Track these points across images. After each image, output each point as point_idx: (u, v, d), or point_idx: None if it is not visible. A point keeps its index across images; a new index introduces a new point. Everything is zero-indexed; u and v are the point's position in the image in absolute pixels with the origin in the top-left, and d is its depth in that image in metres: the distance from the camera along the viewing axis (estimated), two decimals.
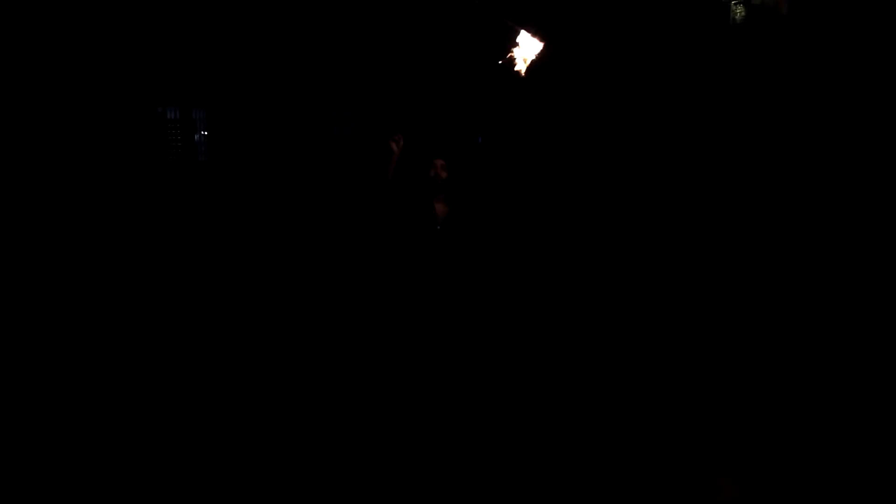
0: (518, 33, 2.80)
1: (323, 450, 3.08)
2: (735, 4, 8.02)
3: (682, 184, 6.65)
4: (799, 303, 4.52)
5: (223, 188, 7.74)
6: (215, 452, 3.23)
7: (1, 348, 4.23)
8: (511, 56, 2.75)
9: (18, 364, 4.04)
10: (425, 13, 8.80)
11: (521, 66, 2.74)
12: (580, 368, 4.17)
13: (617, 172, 6.86)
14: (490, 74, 8.67)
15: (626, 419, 3.43)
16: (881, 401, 3.48)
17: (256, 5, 7.94)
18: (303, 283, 6.25)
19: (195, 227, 7.33)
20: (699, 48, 7.65)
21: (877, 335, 4.05)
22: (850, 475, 2.80)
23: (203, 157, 7.70)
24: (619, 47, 7.99)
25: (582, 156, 6.74)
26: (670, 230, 6.08)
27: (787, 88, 7.30)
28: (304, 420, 3.35)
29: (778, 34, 7.16)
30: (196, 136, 7.65)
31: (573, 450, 3.09)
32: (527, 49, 3.06)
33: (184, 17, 7.55)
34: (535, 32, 3.14)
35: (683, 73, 7.46)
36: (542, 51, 3.29)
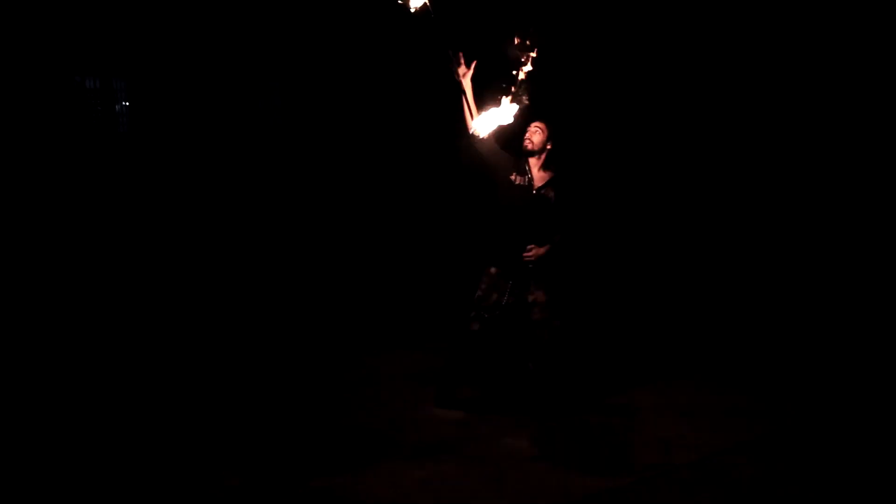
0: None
1: None
2: None
3: None
4: None
5: (145, 159, 7.52)
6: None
7: None
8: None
9: None
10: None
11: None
12: None
13: None
14: None
15: None
16: None
17: None
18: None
19: (114, 198, 7.32)
20: None
21: None
22: None
23: (124, 129, 7.57)
24: None
25: None
26: None
27: None
28: None
29: None
30: (116, 107, 7.51)
31: None
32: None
33: None
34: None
35: None
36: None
